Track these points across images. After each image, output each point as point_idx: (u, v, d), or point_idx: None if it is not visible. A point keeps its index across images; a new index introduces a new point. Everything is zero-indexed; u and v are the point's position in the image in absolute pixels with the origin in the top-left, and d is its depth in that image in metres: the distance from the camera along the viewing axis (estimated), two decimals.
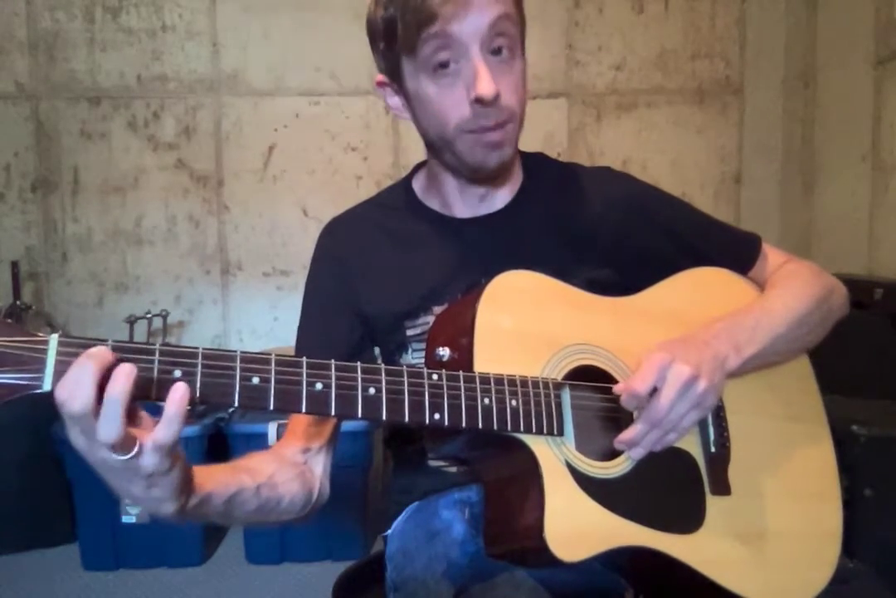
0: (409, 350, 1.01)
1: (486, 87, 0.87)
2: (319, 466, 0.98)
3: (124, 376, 0.63)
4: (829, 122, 2.74)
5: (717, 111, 2.93)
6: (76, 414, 0.62)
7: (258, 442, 2.22)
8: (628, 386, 0.83)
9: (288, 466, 0.93)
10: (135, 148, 2.79)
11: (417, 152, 1.03)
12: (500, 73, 0.89)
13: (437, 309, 0.97)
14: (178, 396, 0.65)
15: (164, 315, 2.69)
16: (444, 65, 0.89)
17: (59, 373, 0.63)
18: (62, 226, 2.79)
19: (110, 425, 0.62)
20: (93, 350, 0.63)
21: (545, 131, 2.87)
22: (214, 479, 0.79)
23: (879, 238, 2.44)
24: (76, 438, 0.65)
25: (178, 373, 0.66)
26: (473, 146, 0.92)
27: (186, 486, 0.72)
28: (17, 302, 2.65)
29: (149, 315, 2.65)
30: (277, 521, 0.92)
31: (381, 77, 0.98)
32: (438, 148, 0.97)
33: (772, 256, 1.08)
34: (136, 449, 0.64)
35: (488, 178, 0.99)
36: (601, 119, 2.91)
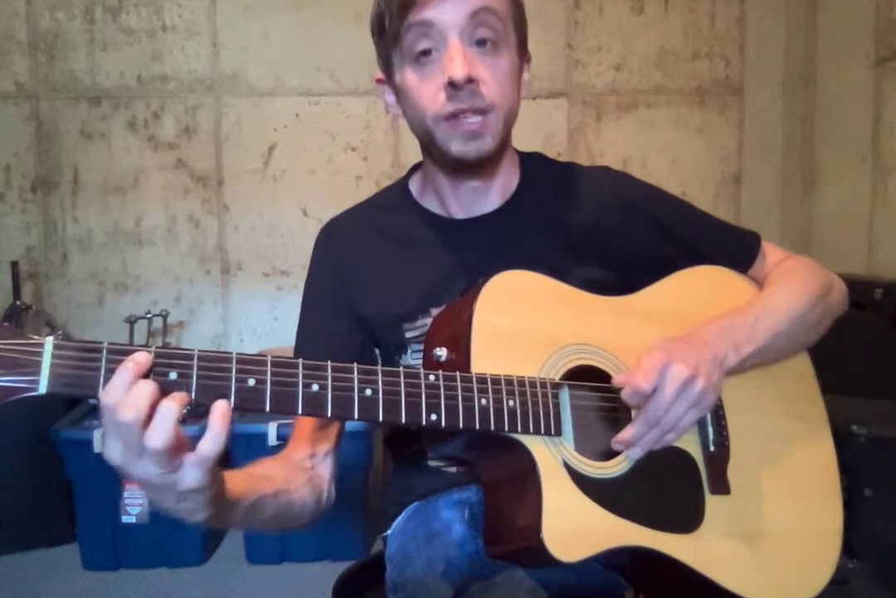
0: (409, 352, 1.01)
1: (457, 68, 0.87)
2: (327, 471, 0.98)
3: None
4: (829, 122, 2.73)
5: (717, 111, 2.93)
6: (128, 422, 0.62)
7: (258, 442, 2.22)
8: (631, 380, 0.83)
9: (298, 472, 0.93)
10: (135, 148, 2.78)
11: (417, 152, 1.03)
12: (481, 62, 0.90)
13: (436, 311, 0.96)
14: (221, 411, 0.65)
15: (164, 315, 2.68)
16: (425, 53, 0.90)
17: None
18: (62, 226, 2.79)
19: (162, 432, 0.62)
20: (138, 356, 0.64)
21: (545, 131, 2.86)
22: (239, 487, 0.79)
23: (879, 238, 2.43)
24: (114, 449, 0.64)
25: (173, 375, 0.66)
26: (450, 135, 0.92)
27: (219, 497, 0.72)
28: (17, 302, 2.65)
29: (149, 315, 2.64)
30: (288, 527, 0.92)
31: (378, 75, 1.00)
32: (424, 142, 0.97)
33: (771, 253, 1.08)
34: (176, 463, 0.64)
35: (470, 169, 0.97)
36: (601, 119, 2.90)
